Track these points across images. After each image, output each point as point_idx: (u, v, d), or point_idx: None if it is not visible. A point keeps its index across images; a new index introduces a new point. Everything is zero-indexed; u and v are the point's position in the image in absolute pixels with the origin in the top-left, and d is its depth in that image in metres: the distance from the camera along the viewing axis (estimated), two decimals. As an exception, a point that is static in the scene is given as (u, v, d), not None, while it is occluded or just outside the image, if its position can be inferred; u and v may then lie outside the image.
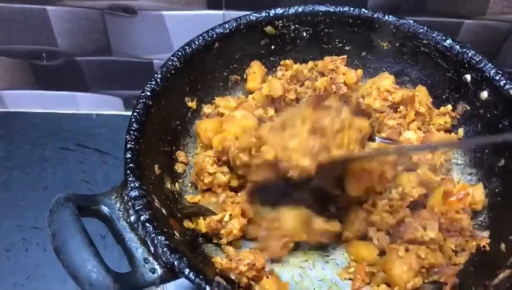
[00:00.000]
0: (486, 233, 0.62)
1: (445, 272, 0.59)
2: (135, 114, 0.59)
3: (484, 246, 0.60)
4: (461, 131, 0.70)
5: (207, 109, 0.71)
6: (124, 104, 1.02)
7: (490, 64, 0.67)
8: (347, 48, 0.74)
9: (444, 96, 0.72)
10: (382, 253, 0.61)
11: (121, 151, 0.95)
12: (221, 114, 0.69)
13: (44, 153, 0.95)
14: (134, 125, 0.58)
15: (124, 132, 0.94)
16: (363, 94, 0.70)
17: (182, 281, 0.50)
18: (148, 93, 0.61)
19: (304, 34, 0.73)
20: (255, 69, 0.72)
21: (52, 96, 1.00)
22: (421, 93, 0.71)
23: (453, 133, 0.70)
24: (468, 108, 0.69)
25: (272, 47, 0.73)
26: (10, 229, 0.86)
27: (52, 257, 0.81)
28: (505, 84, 0.64)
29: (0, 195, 0.89)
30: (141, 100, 0.60)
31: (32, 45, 0.90)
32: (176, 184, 0.64)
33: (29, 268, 0.82)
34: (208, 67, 0.70)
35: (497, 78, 0.65)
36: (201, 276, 0.48)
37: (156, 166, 0.60)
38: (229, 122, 0.63)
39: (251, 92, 0.72)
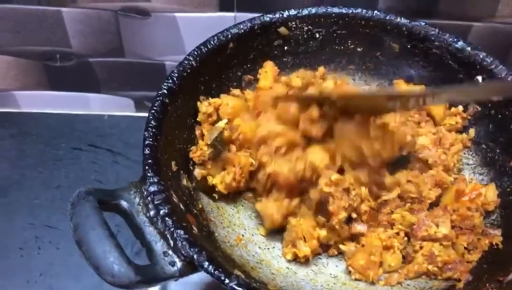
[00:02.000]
0: (498, 231, 0.62)
1: (458, 268, 0.59)
2: (152, 111, 0.60)
3: (496, 244, 0.61)
4: (472, 132, 0.71)
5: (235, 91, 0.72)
6: (135, 106, 1.03)
7: (502, 66, 0.67)
8: (359, 49, 0.75)
9: (455, 97, 0.72)
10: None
11: (133, 151, 0.97)
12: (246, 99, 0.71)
13: (56, 153, 0.96)
14: (152, 122, 0.59)
15: (135, 133, 0.95)
16: None
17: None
18: (165, 91, 0.62)
19: (317, 35, 0.74)
20: (268, 68, 0.73)
21: (64, 97, 1.01)
22: None
23: (464, 134, 0.71)
24: (479, 109, 0.70)
25: (285, 48, 0.74)
26: (23, 227, 0.86)
27: (65, 255, 0.84)
28: (516, 86, 0.65)
29: (13, 194, 0.90)
30: (158, 98, 0.61)
31: (46, 46, 0.91)
32: (192, 181, 0.65)
33: (42, 265, 0.83)
34: (223, 67, 0.71)
35: (509, 79, 0.66)
36: (220, 269, 0.49)
37: (173, 163, 0.61)
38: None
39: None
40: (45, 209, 0.89)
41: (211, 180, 0.63)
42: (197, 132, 0.67)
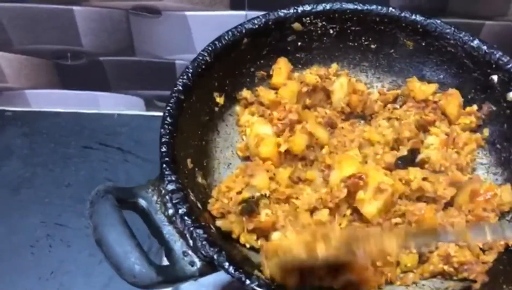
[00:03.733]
0: None
1: (474, 269, 0.59)
2: (168, 108, 0.60)
3: None
4: (486, 131, 0.71)
5: (246, 93, 0.72)
6: (145, 104, 1.03)
7: (518, 65, 0.67)
8: (372, 46, 0.75)
9: (469, 96, 0.72)
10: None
11: (143, 150, 0.97)
12: (261, 103, 0.70)
13: (67, 151, 0.96)
14: (168, 119, 0.58)
15: (145, 131, 0.97)
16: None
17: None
18: (181, 88, 0.62)
19: (331, 32, 0.73)
20: (281, 65, 0.72)
21: (75, 95, 1.01)
22: (454, 97, 0.70)
23: (478, 133, 0.71)
24: (494, 108, 0.70)
25: (299, 43, 0.74)
26: (34, 225, 0.87)
27: (76, 253, 0.84)
28: (533, 85, 0.65)
29: (24, 192, 0.90)
30: (173, 95, 0.61)
31: (57, 45, 0.91)
32: (207, 178, 0.64)
33: (53, 263, 0.83)
34: (236, 63, 0.71)
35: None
36: (241, 270, 0.49)
37: (188, 160, 0.61)
38: None
39: (276, 88, 0.72)
40: (56, 207, 0.89)
41: (234, 235, 0.60)
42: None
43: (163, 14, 0.87)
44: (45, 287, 0.81)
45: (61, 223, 0.88)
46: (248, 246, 0.60)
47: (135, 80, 0.99)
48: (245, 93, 0.72)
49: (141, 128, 0.99)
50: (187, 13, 0.87)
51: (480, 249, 0.61)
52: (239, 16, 0.84)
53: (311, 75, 0.72)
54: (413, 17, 0.71)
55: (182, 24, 0.88)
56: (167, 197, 0.53)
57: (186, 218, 0.51)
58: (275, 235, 0.59)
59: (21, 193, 0.90)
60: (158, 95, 1.00)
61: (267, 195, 0.60)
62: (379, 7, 0.72)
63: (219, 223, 0.58)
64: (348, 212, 0.61)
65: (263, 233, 0.60)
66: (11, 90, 0.99)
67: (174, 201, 0.52)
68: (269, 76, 0.74)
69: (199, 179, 0.62)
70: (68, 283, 0.81)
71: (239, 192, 0.59)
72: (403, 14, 0.71)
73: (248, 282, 0.48)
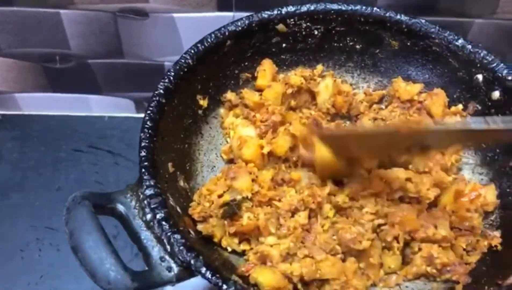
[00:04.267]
0: (497, 233, 0.62)
1: (457, 270, 0.59)
2: (148, 112, 0.59)
3: (495, 246, 0.60)
4: None
5: (230, 96, 0.71)
6: (135, 107, 1.02)
7: (502, 64, 0.66)
8: (358, 46, 0.74)
9: (455, 96, 0.71)
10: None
11: (133, 153, 0.95)
12: (246, 105, 0.70)
13: (57, 155, 0.96)
14: (148, 123, 0.58)
15: (136, 134, 0.95)
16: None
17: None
18: (162, 91, 0.62)
19: (316, 32, 0.73)
20: (266, 67, 0.72)
21: (65, 98, 1.01)
22: (439, 96, 0.70)
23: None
24: (479, 107, 0.69)
25: (284, 45, 0.73)
26: (24, 229, 0.87)
27: (66, 257, 0.84)
28: (517, 84, 0.65)
29: (14, 196, 0.91)
30: (154, 98, 0.61)
31: (45, 48, 0.91)
32: (189, 182, 0.64)
33: (43, 267, 0.83)
34: (220, 65, 0.71)
35: (510, 78, 0.65)
36: (218, 275, 0.49)
37: (169, 164, 0.61)
38: None
39: (260, 90, 0.72)
40: (46, 211, 0.89)
41: (216, 239, 0.60)
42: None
43: (150, 16, 0.87)
44: (35, 291, 0.81)
45: (51, 227, 0.88)
46: (229, 249, 0.60)
47: (124, 83, 0.99)
48: (230, 95, 0.72)
49: (132, 130, 0.99)
50: (175, 14, 0.87)
51: (464, 250, 0.60)
52: (227, 17, 0.84)
53: (296, 76, 0.71)
54: (398, 16, 0.71)
55: (170, 26, 0.88)
56: (145, 202, 0.53)
57: (163, 223, 0.51)
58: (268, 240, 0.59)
59: (11, 197, 0.91)
60: (148, 97, 0.98)
61: (249, 197, 0.59)
62: (364, 7, 0.71)
63: (200, 227, 0.58)
64: (331, 213, 0.61)
65: (245, 236, 0.60)
66: (0, 93, 0.99)
67: (152, 206, 0.52)
68: (254, 78, 0.74)
69: (181, 183, 0.62)
70: (58, 287, 0.82)
71: (221, 195, 0.59)
72: (387, 14, 0.71)
73: (225, 287, 0.48)
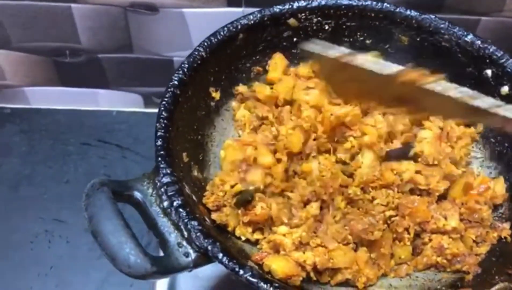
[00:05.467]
0: (507, 225, 0.62)
1: (467, 261, 0.60)
2: (163, 102, 0.60)
3: (505, 237, 0.61)
4: (480, 126, 0.71)
5: (242, 89, 0.72)
6: (144, 101, 1.03)
7: (511, 60, 0.67)
8: (367, 42, 0.75)
9: (464, 91, 0.72)
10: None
11: (141, 147, 0.98)
12: (257, 99, 0.70)
13: (66, 148, 0.97)
14: (163, 113, 0.59)
15: (144, 128, 0.98)
16: None
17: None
18: (176, 82, 0.62)
19: (326, 27, 0.74)
20: (277, 60, 0.73)
21: (74, 92, 1.01)
22: None
23: (472, 128, 0.71)
24: (488, 102, 0.70)
25: (295, 39, 0.74)
26: (33, 221, 0.87)
27: (75, 249, 0.85)
28: (526, 80, 0.66)
29: (23, 189, 0.91)
30: (169, 89, 0.62)
31: (55, 42, 0.92)
32: (202, 172, 0.65)
33: (52, 259, 0.84)
34: (232, 58, 0.71)
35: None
36: (234, 261, 0.49)
37: (184, 154, 0.62)
38: None
39: (271, 83, 0.73)
40: (55, 204, 0.90)
41: (230, 228, 0.61)
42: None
43: (160, 11, 0.87)
44: (44, 282, 0.82)
45: (60, 219, 0.88)
46: (243, 238, 0.60)
47: (133, 77, 0.99)
48: (241, 88, 0.73)
49: (140, 125, 1.00)
50: (185, 10, 0.87)
51: (473, 241, 0.61)
52: (236, 12, 0.85)
53: (304, 67, 0.72)
54: (408, 12, 0.72)
55: (180, 21, 0.89)
56: (162, 189, 0.53)
57: (181, 210, 0.52)
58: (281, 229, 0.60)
59: (20, 190, 0.91)
60: (156, 92, 1.01)
61: (262, 189, 0.60)
62: (374, 2, 0.72)
63: (214, 216, 0.59)
64: (343, 204, 0.62)
65: (258, 225, 0.60)
66: (10, 87, 0.99)
67: (169, 194, 0.52)
68: (265, 72, 0.75)
69: (195, 173, 0.63)
70: (67, 279, 0.82)
71: (233, 186, 0.60)
72: (397, 10, 0.72)
73: (242, 272, 0.49)
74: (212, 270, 0.66)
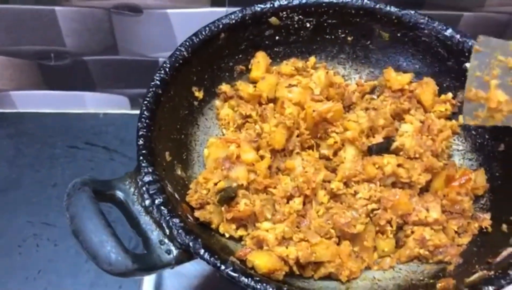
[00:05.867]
0: (487, 215, 0.63)
1: (449, 252, 0.61)
2: (145, 102, 0.61)
3: (486, 228, 0.62)
4: (461, 118, 0.72)
5: (225, 88, 0.72)
6: (130, 103, 1.03)
7: (490, 53, 0.68)
8: (349, 38, 0.76)
9: (444, 85, 0.73)
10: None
11: (128, 149, 0.98)
12: (241, 97, 0.71)
13: (53, 152, 0.97)
14: (145, 113, 0.59)
15: (131, 130, 0.96)
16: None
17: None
18: (158, 82, 0.63)
19: (308, 25, 0.74)
20: (260, 59, 0.73)
21: (60, 96, 1.01)
22: (429, 85, 0.72)
23: (453, 120, 0.72)
24: (469, 95, 0.71)
25: (277, 37, 0.75)
26: (21, 225, 0.88)
27: (63, 252, 0.85)
28: (504, 72, 0.66)
29: (11, 192, 0.91)
30: (151, 89, 0.62)
31: (40, 45, 0.92)
32: (186, 171, 0.65)
33: (41, 262, 0.84)
34: (215, 58, 0.72)
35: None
36: (216, 256, 0.50)
37: (167, 153, 0.62)
38: None
39: (254, 82, 0.73)
40: (43, 207, 0.90)
41: (214, 225, 0.61)
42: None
43: (144, 12, 0.88)
44: (33, 286, 0.82)
45: (48, 223, 0.88)
46: (227, 235, 0.61)
47: (119, 79, 1.00)
48: (224, 87, 0.73)
49: (127, 126, 1.00)
50: (169, 10, 0.88)
51: (455, 232, 0.62)
52: (220, 12, 0.85)
53: (287, 65, 0.73)
54: (388, 8, 0.72)
55: (164, 22, 0.89)
56: (144, 188, 0.54)
57: (162, 208, 0.52)
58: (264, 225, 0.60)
59: (8, 194, 0.91)
60: (142, 93, 1.00)
61: (245, 185, 0.61)
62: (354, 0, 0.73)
63: (197, 213, 0.59)
64: (325, 199, 0.62)
65: (242, 222, 0.61)
66: (-4, 91, 1.00)
67: (150, 192, 0.53)
68: (248, 70, 0.75)
69: (178, 172, 0.63)
70: (55, 282, 0.82)
71: (217, 183, 0.60)
72: (378, 6, 0.73)
73: (223, 267, 0.49)
74: (197, 269, 0.67)
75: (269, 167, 0.65)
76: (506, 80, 0.56)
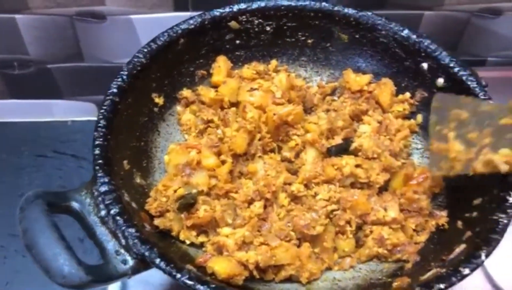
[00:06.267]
0: (444, 213, 0.64)
1: (407, 250, 0.62)
2: (102, 111, 0.60)
3: (443, 225, 0.63)
4: (419, 117, 0.73)
5: (186, 93, 0.73)
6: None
7: (444, 52, 0.69)
8: (309, 41, 0.77)
9: (403, 84, 0.74)
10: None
11: None
12: (202, 102, 0.71)
13: (20, 161, 0.96)
14: (102, 122, 0.59)
15: None
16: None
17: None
18: (115, 90, 0.62)
19: (268, 29, 0.75)
20: (221, 63, 0.74)
21: (26, 104, 1.01)
22: (386, 86, 0.73)
23: (412, 120, 0.73)
24: (426, 94, 0.72)
25: (237, 41, 0.75)
26: (-13, 237, 0.86)
27: (31, 263, 0.83)
28: (458, 71, 0.68)
29: (-23, 204, 0.90)
30: (107, 98, 0.62)
31: (2, 54, 0.91)
32: (146, 178, 0.65)
33: (8, 274, 0.83)
34: (174, 63, 0.72)
35: (451, 65, 0.68)
36: (172, 265, 0.50)
37: (125, 162, 0.62)
38: None
39: (216, 86, 0.73)
40: (9, 218, 0.86)
41: (174, 233, 0.61)
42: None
43: (108, 18, 0.87)
44: (1, 298, 0.81)
45: (15, 234, 0.86)
46: (188, 242, 0.61)
47: (86, 86, 0.99)
48: (186, 92, 0.73)
49: (95, 133, 0.99)
50: (132, 16, 0.88)
51: (414, 230, 0.63)
52: (184, 17, 0.84)
53: (248, 69, 0.73)
54: (346, 10, 0.73)
55: (128, 28, 0.89)
56: (100, 198, 0.53)
57: (118, 218, 0.52)
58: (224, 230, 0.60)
59: (-26, 205, 0.90)
60: (110, 100, 1.01)
61: (205, 191, 0.61)
62: (313, 2, 0.74)
63: (157, 221, 0.59)
64: (286, 201, 0.63)
65: (203, 229, 0.61)
66: (-41, 102, 0.98)
67: (106, 202, 0.53)
68: (209, 75, 0.75)
69: (137, 180, 0.63)
70: (24, 293, 0.81)
71: (177, 190, 0.60)
72: (335, 8, 0.73)
73: (179, 276, 0.49)
74: (163, 277, 0.66)
75: (231, 172, 0.65)
76: (461, 132, 0.59)
